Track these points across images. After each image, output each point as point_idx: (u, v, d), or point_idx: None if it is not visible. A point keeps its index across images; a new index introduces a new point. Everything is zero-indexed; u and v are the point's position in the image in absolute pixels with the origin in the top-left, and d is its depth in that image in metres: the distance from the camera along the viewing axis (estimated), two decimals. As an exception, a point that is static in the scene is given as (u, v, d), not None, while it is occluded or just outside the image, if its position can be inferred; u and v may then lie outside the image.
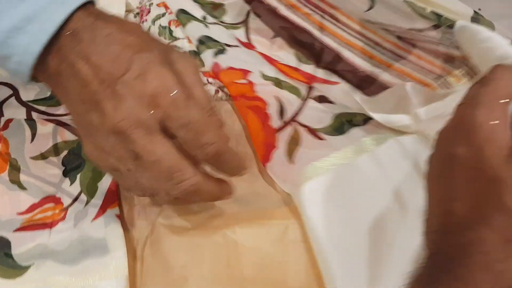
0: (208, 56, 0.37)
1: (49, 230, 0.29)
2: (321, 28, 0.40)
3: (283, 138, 0.32)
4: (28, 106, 0.35)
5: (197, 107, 0.23)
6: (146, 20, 0.43)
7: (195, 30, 0.39)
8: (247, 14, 0.42)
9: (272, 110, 0.34)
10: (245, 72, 0.36)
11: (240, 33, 0.41)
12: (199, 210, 0.29)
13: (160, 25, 0.42)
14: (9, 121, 0.34)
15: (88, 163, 0.32)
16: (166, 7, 0.42)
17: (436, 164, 0.22)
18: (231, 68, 0.36)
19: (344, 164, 0.30)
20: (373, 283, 0.25)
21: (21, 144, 0.33)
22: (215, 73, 0.36)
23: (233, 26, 0.42)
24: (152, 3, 0.43)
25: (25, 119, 0.34)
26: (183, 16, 0.40)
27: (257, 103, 0.34)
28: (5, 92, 0.36)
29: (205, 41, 0.38)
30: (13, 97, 0.36)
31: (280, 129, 0.33)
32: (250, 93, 0.34)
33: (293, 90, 0.35)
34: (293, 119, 0.33)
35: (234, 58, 0.37)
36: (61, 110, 0.35)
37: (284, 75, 0.37)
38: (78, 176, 0.32)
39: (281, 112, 0.34)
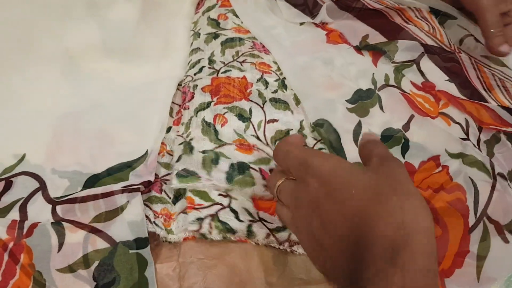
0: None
1: None
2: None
3: (474, 240, 0.28)
4: (56, 204, 0.30)
5: None
6: (188, 107, 0.34)
7: None
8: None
9: (470, 202, 0.29)
10: (435, 159, 0.31)
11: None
12: None
13: (203, 119, 0.32)
14: (33, 226, 0.29)
15: (124, 278, 0.27)
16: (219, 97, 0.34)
17: None
18: (422, 162, 0.31)
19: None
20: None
21: (46, 253, 0.28)
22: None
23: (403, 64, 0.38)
24: (196, 86, 0.36)
25: (52, 223, 0.29)
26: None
27: (458, 194, 0.29)
28: (30, 184, 0.32)
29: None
30: (40, 192, 0.31)
31: (473, 228, 0.28)
32: (447, 182, 0.29)
33: (479, 165, 0.30)
34: (484, 212, 0.29)
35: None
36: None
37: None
38: (113, 295, 0.26)
39: (476, 203, 0.29)
